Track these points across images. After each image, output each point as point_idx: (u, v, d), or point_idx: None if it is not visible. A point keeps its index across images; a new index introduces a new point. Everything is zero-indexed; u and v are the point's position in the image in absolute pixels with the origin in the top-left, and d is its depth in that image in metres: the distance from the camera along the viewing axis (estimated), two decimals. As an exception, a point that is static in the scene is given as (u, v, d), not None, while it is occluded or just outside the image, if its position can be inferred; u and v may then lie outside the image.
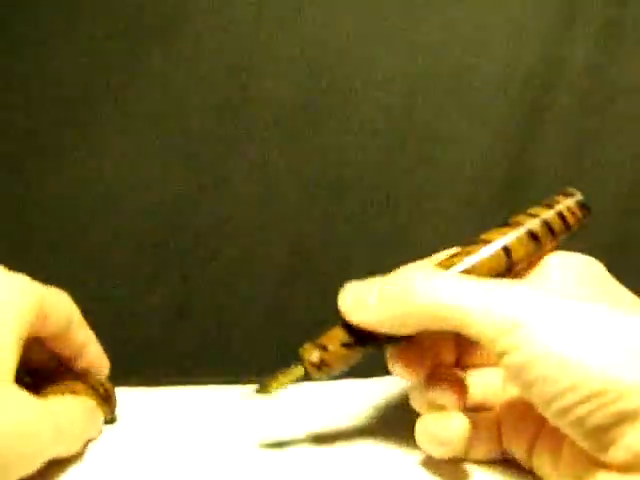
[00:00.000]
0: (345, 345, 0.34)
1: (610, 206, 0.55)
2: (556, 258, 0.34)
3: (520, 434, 0.34)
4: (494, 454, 0.35)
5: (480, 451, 0.34)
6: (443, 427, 0.33)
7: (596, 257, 0.34)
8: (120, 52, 0.56)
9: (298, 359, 0.35)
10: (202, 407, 0.40)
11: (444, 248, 0.36)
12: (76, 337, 0.36)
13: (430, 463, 0.34)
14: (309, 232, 0.57)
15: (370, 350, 0.35)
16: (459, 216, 0.56)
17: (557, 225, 0.35)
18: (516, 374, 0.30)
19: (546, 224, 0.34)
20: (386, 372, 0.36)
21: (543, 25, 0.55)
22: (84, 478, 0.33)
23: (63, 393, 0.36)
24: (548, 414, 0.29)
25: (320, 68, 0.56)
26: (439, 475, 0.33)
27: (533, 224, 0.34)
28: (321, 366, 0.34)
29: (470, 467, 0.34)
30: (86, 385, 0.37)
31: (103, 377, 0.38)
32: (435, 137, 0.56)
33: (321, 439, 0.36)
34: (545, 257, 0.35)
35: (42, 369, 0.37)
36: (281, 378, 0.35)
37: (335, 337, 0.34)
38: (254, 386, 0.35)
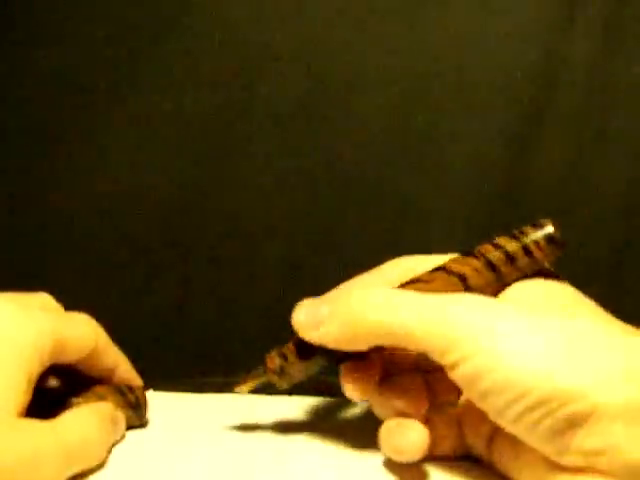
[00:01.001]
0: (301, 358, 0.35)
1: (611, 206, 0.54)
2: (519, 284, 0.34)
3: (478, 430, 0.34)
4: (460, 450, 0.35)
5: (445, 448, 0.35)
6: (401, 437, 0.33)
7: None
8: (120, 52, 0.56)
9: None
10: (214, 413, 0.41)
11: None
12: (102, 362, 0.37)
13: (394, 463, 0.34)
14: (309, 232, 0.57)
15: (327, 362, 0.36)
16: (459, 216, 0.56)
17: (521, 259, 0.34)
18: (467, 386, 0.30)
19: (508, 257, 0.34)
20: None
21: (543, 24, 0.55)
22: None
23: (89, 400, 0.36)
24: (503, 423, 0.30)
25: (320, 68, 0.56)
26: (404, 474, 0.34)
27: (494, 256, 0.34)
28: (281, 374, 0.36)
29: (434, 466, 0.34)
30: (115, 391, 0.37)
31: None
32: (435, 137, 0.56)
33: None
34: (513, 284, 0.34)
35: (72, 371, 0.37)
36: (249, 381, 0.37)
37: (293, 349, 0.36)
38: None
